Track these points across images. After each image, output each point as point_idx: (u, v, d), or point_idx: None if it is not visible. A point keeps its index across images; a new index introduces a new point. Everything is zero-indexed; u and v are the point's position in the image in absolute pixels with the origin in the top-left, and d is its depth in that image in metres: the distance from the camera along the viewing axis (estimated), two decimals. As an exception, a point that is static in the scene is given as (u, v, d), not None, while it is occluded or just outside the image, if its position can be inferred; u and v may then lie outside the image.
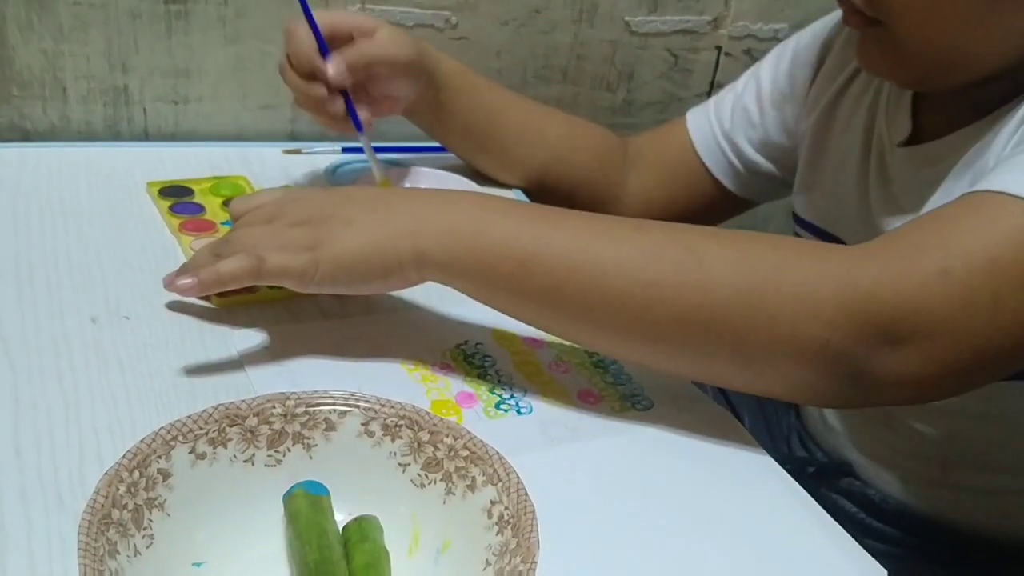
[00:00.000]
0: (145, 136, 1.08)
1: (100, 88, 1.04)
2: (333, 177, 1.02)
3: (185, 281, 0.68)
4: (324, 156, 1.07)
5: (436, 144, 1.14)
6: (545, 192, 1.01)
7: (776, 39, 1.32)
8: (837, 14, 0.86)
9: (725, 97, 0.98)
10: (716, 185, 0.98)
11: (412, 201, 0.70)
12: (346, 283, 0.69)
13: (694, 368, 0.67)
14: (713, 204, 1.00)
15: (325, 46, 0.85)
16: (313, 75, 0.86)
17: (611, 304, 0.64)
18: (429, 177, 1.00)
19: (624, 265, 0.64)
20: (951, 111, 0.74)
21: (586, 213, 0.68)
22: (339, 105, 0.87)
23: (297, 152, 1.07)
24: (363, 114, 0.89)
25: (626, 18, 1.23)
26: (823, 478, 0.89)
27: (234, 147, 1.06)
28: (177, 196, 0.93)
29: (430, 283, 0.85)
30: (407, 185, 0.99)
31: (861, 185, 0.82)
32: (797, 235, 0.92)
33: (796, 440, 0.97)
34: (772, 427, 0.98)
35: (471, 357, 0.75)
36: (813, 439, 0.95)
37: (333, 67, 0.85)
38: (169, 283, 0.71)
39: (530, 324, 0.70)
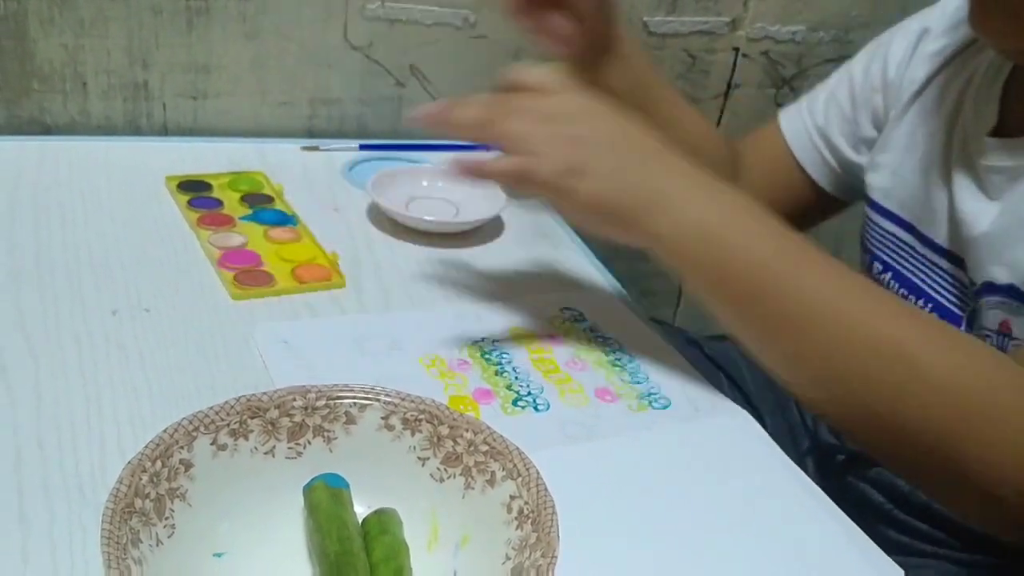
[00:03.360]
0: (164, 131, 1.08)
1: (120, 83, 1.04)
2: (350, 174, 1.03)
3: (455, 164, 0.68)
4: (342, 153, 1.07)
5: (465, 143, 1.16)
6: None
7: (793, 41, 1.32)
8: (929, 9, 0.88)
9: (818, 94, 0.97)
10: (812, 185, 0.97)
11: (685, 177, 0.69)
12: (587, 221, 0.69)
13: (885, 455, 0.69)
14: (809, 205, 0.99)
15: None
16: None
17: (820, 362, 0.65)
18: (460, 180, 0.99)
19: (849, 343, 0.64)
20: None
21: (844, 268, 0.68)
22: None
23: (315, 149, 1.07)
24: None
25: (644, 18, 1.23)
26: (852, 467, 0.89)
27: (252, 143, 1.07)
28: (195, 191, 0.93)
29: (449, 278, 0.86)
30: (438, 186, 0.99)
31: (943, 171, 0.82)
32: (868, 218, 0.92)
33: (824, 428, 0.96)
34: (795, 421, 0.97)
35: (488, 354, 0.76)
36: None
37: None
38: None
39: (730, 330, 0.70)
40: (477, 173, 0.68)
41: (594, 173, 0.67)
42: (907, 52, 0.89)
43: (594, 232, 0.70)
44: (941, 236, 0.79)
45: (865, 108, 0.93)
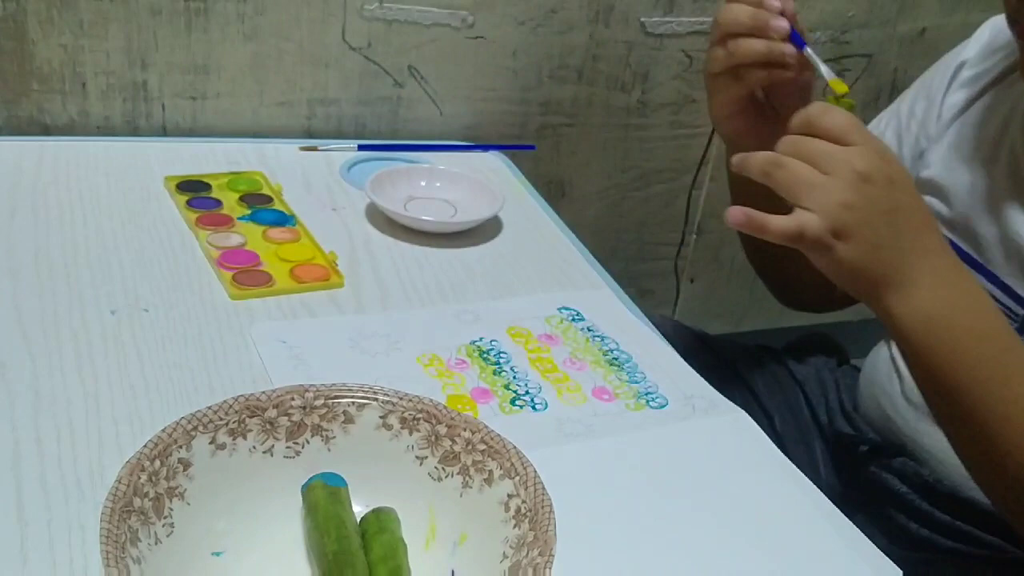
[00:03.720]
0: (163, 131, 1.08)
1: (119, 83, 1.04)
2: (348, 175, 1.03)
3: (739, 216, 0.67)
4: (340, 153, 1.07)
5: (463, 143, 1.17)
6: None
7: (791, 42, 1.32)
8: (967, 40, 0.89)
9: None
10: None
11: (933, 263, 0.68)
12: (833, 275, 0.69)
13: None
14: None
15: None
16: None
17: (1010, 472, 0.66)
18: (459, 180, 1.00)
19: None
20: None
21: None
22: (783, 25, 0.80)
23: (313, 149, 1.07)
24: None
25: (641, 19, 1.23)
26: (875, 456, 0.89)
27: (251, 143, 1.07)
28: (194, 191, 0.94)
29: (446, 278, 0.86)
30: (437, 186, 1.00)
31: (990, 197, 0.83)
32: None
33: (841, 419, 0.96)
34: (804, 418, 0.97)
35: (487, 353, 0.76)
36: (866, 419, 0.95)
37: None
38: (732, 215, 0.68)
39: (936, 417, 0.72)
40: (758, 231, 0.67)
41: (855, 240, 0.66)
42: (945, 82, 0.91)
43: (836, 282, 0.70)
44: (991, 259, 0.80)
45: (908, 142, 0.93)
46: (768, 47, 0.79)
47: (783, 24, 0.79)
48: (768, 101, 0.84)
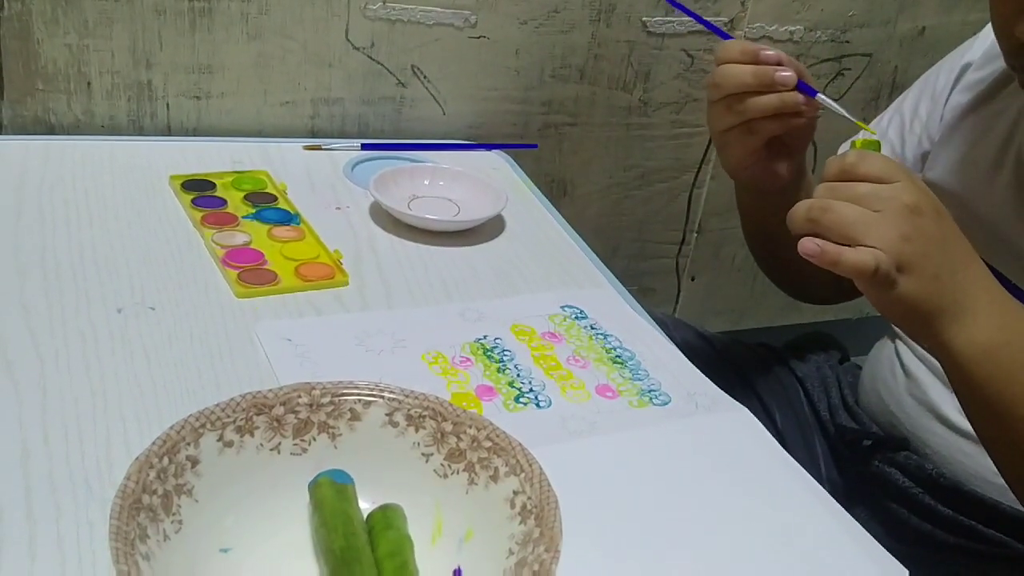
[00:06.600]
0: (168, 131, 1.09)
1: (124, 83, 1.05)
2: (352, 174, 1.03)
3: (812, 247, 0.65)
4: (344, 152, 1.08)
5: (466, 142, 1.18)
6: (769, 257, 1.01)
7: (792, 40, 1.33)
8: (972, 40, 0.90)
9: None
10: None
11: (987, 292, 0.68)
12: (887, 310, 0.68)
13: None
14: None
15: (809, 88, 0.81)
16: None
17: None
18: (462, 180, 1.01)
19: None
20: None
21: None
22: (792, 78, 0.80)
23: (317, 148, 1.08)
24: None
25: (643, 18, 1.23)
26: (878, 451, 0.89)
27: (255, 142, 1.07)
28: (199, 190, 0.94)
29: (450, 276, 0.87)
30: (440, 185, 1.00)
31: (996, 198, 0.83)
32: None
33: (844, 414, 0.97)
34: (804, 415, 0.98)
35: (491, 351, 0.76)
36: (869, 414, 0.95)
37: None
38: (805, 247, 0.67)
39: (986, 447, 0.71)
40: (831, 264, 0.65)
41: (916, 272, 0.65)
42: (950, 82, 0.91)
43: (886, 317, 0.69)
44: (997, 262, 0.80)
45: (912, 143, 0.94)
46: (780, 100, 0.79)
47: (789, 75, 0.79)
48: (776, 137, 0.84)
